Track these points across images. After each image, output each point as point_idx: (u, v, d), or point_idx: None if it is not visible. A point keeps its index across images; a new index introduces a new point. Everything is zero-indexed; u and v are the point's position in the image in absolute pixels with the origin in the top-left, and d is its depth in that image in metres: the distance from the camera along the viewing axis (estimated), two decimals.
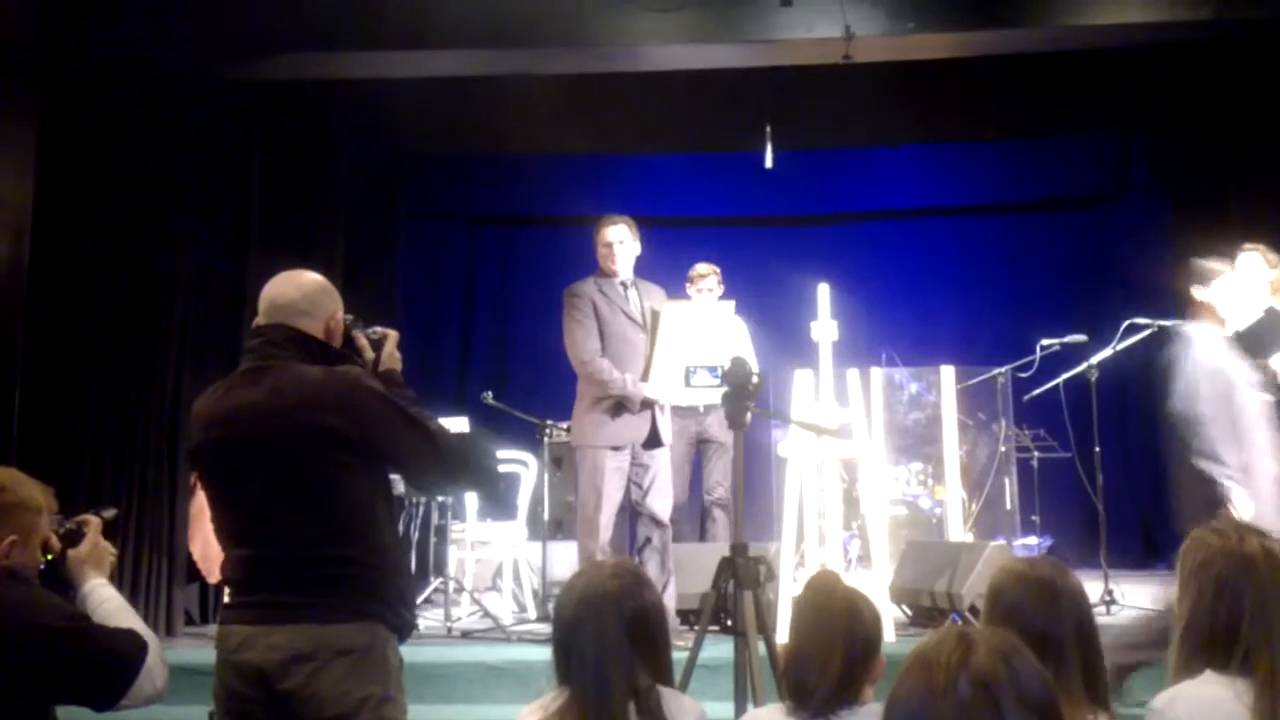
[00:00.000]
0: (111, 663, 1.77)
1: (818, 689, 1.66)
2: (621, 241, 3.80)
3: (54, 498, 1.94)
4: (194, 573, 4.35)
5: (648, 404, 3.72)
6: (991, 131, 5.70)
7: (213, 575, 4.31)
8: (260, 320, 1.99)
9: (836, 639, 1.68)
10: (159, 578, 4.14)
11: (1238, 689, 1.52)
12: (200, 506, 4.28)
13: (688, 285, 5.02)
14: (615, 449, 3.69)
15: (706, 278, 4.85)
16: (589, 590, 1.68)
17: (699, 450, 4.71)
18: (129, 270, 4.26)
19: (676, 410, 4.76)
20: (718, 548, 3.56)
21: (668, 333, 3.73)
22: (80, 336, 4.15)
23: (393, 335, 2.09)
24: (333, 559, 1.85)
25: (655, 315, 3.81)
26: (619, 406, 3.69)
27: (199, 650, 3.81)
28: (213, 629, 4.30)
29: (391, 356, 2.06)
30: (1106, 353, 4.32)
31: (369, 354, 2.04)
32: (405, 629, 1.95)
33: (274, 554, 1.86)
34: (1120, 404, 6.08)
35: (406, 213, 6.33)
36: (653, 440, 3.76)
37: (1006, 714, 0.94)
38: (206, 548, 4.23)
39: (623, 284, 3.83)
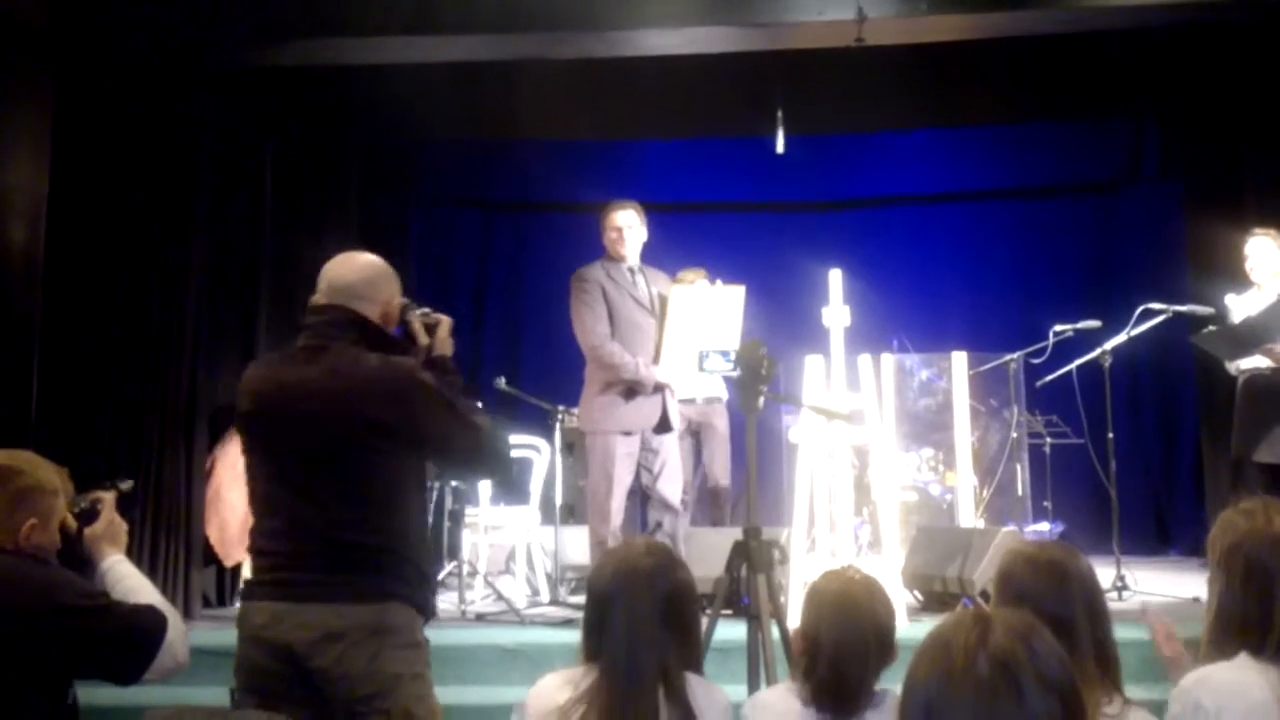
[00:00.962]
0: (133, 639, 1.79)
1: (839, 681, 1.66)
2: (630, 226, 3.80)
3: (69, 479, 1.96)
4: (210, 555, 4.38)
5: (660, 388, 3.72)
6: (1004, 116, 5.65)
7: (229, 558, 4.35)
8: (319, 299, 2.01)
9: (856, 630, 1.68)
10: (176, 560, 4.18)
11: (1271, 677, 1.49)
12: (216, 490, 4.31)
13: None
14: (626, 434, 3.69)
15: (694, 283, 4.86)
16: (622, 567, 1.69)
17: (697, 438, 4.72)
18: (144, 255, 4.28)
19: (679, 400, 4.76)
20: (728, 532, 3.57)
21: (676, 316, 3.73)
22: (96, 322, 4.18)
23: (446, 321, 2.11)
24: (366, 540, 1.87)
25: (663, 300, 3.81)
26: (629, 391, 3.69)
27: (216, 632, 3.83)
28: (230, 611, 4.39)
29: (444, 342, 2.09)
30: (1120, 338, 4.30)
31: (423, 339, 2.06)
32: (430, 611, 1.98)
33: (307, 530, 1.88)
34: (1133, 390, 6.05)
35: (417, 198, 6.34)
36: (663, 425, 3.75)
37: (1026, 694, 0.94)
38: (224, 531, 4.27)
39: (630, 269, 3.82)
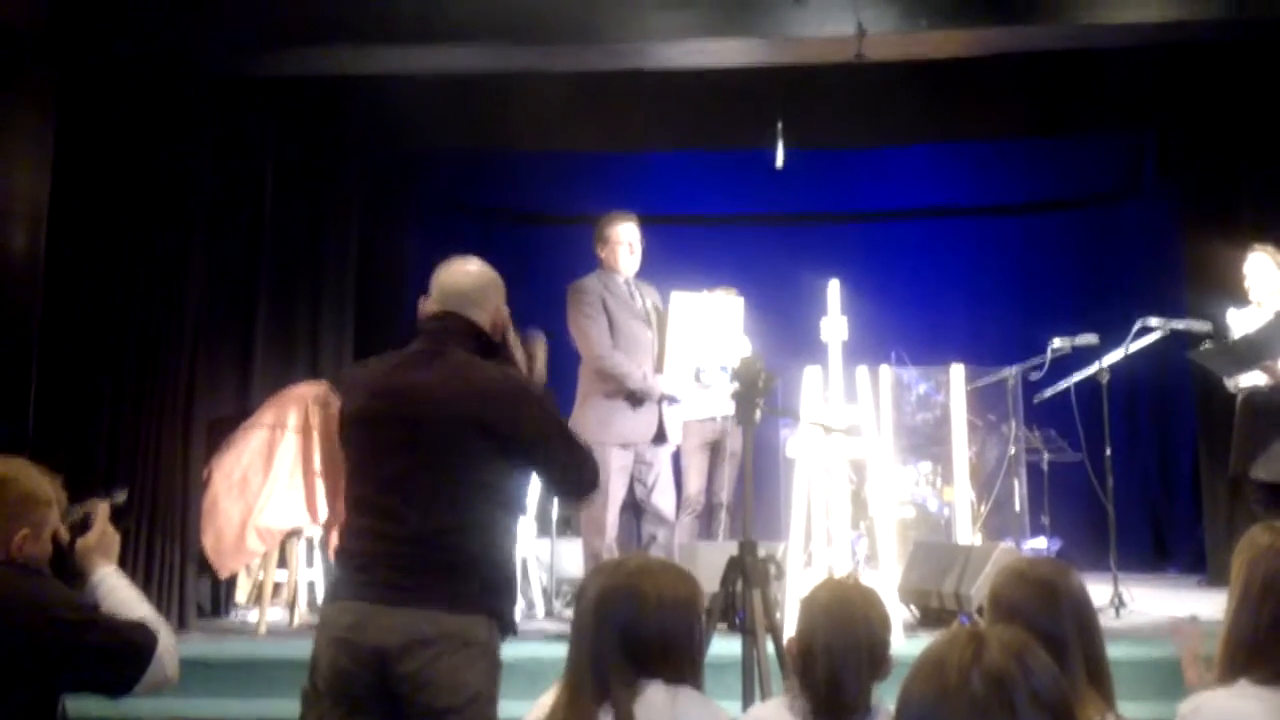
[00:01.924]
0: (124, 654, 1.78)
1: (833, 690, 1.64)
2: (637, 241, 3.81)
3: (63, 488, 1.94)
4: (205, 566, 4.36)
5: (661, 399, 3.72)
6: (1002, 131, 5.67)
7: (224, 569, 4.32)
8: (433, 305, 2.06)
9: (850, 636, 1.67)
10: (171, 570, 4.16)
11: (1272, 704, 1.46)
12: (213, 500, 4.29)
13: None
14: (623, 447, 3.67)
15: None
16: (616, 579, 1.64)
17: (712, 454, 4.72)
18: (143, 263, 4.27)
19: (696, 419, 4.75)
20: (724, 546, 3.55)
21: (677, 326, 3.73)
22: (95, 329, 4.17)
23: (543, 344, 2.14)
24: (461, 549, 1.86)
25: (660, 312, 3.81)
26: (627, 403, 3.67)
27: (211, 644, 3.83)
28: (225, 621, 4.38)
29: (542, 366, 2.12)
30: (1118, 354, 4.29)
31: (518, 352, 2.09)
32: (512, 628, 1.97)
33: (404, 533, 1.86)
34: (1131, 405, 6.05)
35: (417, 208, 6.35)
36: (659, 437, 3.74)
37: (1019, 711, 0.94)
38: (219, 541, 4.24)
39: (626, 282, 3.82)
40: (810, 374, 3.71)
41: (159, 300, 4.29)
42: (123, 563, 4.19)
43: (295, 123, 5.09)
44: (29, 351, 4.02)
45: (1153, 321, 4.24)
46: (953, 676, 0.96)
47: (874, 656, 1.68)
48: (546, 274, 6.19)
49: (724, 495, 4.63)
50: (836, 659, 1.66)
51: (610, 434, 3.66)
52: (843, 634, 1.67)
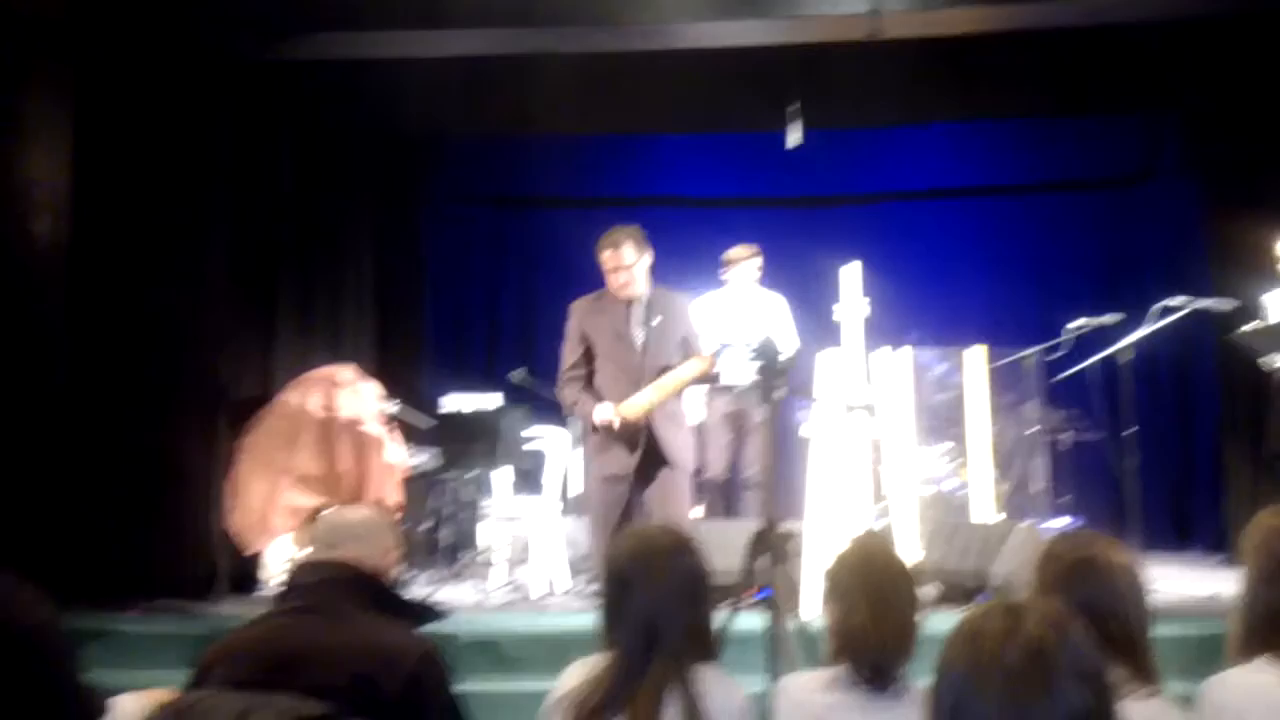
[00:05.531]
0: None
1: (880, 652, 1.63)
2: (616, 267, 3.53)
3: None
4: (233, 543, 4.43)
5: (625, 427, 3.52)
6: (1021, 110, 5.60)
7: (250, 547, 4.40)
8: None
9: (895, 600, 1.67)
10: (200, 547, 4.29)
11: None
12: (239, 480, 4.37)
13: (722, 270, 5.00)
14: (606, 480, 3.59)
15: (734, 264, 4.85)
16: (641, 546, 1.69)
17: (736, 430, 4.72)
18: (165, 247, 4.33)
19: (715, 389, 4.77)
20: (743, 525, 3.56)
21: (668, 384, 3.57)
22: (119, 312, 4.24)
23: None
24: None
25: (686, 347, 3.59)
26: (601, 435, 3.58)
27: (238, 619, 3.90)
28: (253, 597, 4.38)
29: None
30: (1142, 333, 4.26)
31: None
32: None
33: None
34: (1152, 385, 5.99)
35: (430, 194, 6.36)
36: (646, 468, 3.55)
37: (1056, 683, 0.93)
38: (246, 520, 4.34)
39: (629, 302, 3.58)
40: (825, 356, 3.70)
41: (182, 285, 4.36)
42: (153, 543, 4.32)
43: (312, 109, 5.12)
44: (56, 336, 4.08)
45: (1177, 301, 4.20)
46: (989, 647, 0.95)
47: (911, 593, 1.67)
48: (562, 257, 6.20)
49: (747, 470, 4.64)
50: (876, 607, 1.65)
51: (596, 466, 3.63)
52: (879, 594, 1.66)
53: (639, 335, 3.50)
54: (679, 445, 3.64)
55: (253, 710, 1.43)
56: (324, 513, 2.00)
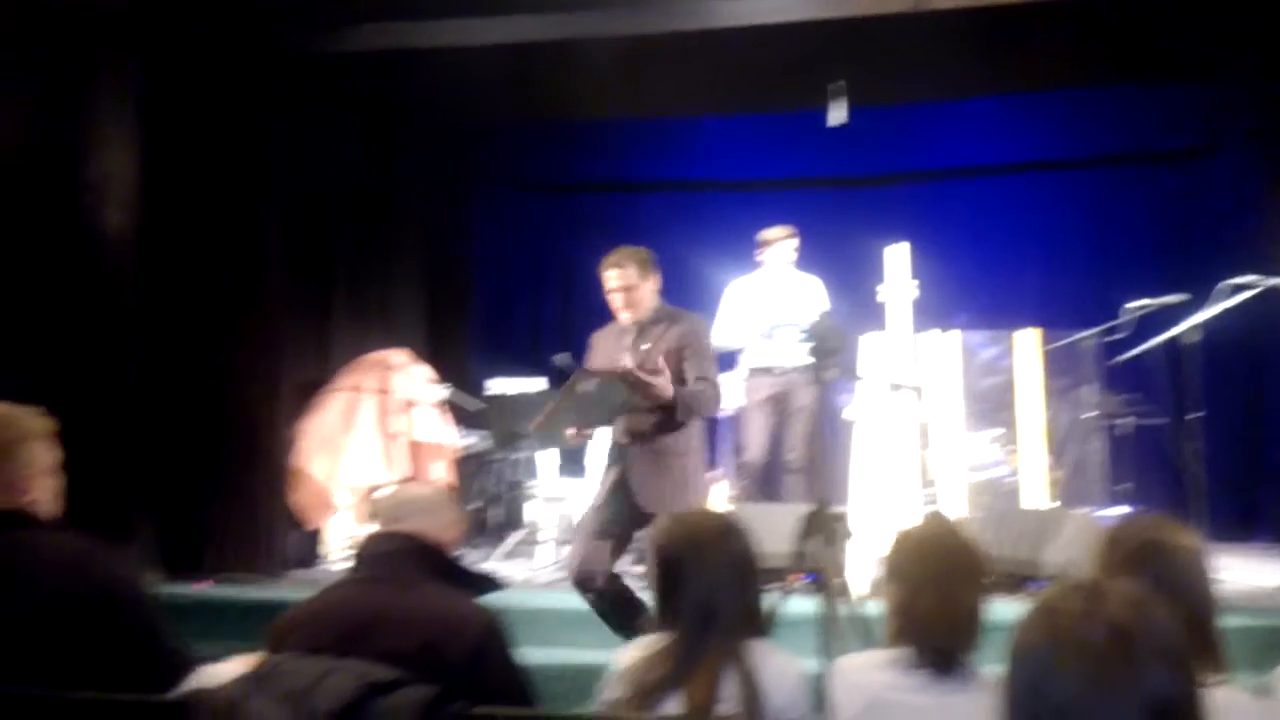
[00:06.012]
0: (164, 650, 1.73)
1: (948, 636, 1.61)
2: (613, 290, 3.30)
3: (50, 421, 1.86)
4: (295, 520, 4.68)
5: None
6: (1075, 80, 5.39)
7: (311, 523, 4.68)
8: None
9: (966, 583, 1.64)
10: (264, 523, 4.49)
11: None
12: (301, 459, 4.63)
13: (758, 251, 4.94)
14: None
15: (769, 245, 4.78)
16: (690, 531, 1.75)
17: (778, 413, 4.65)
18: (228, 236, 4.52)
19: (755, 370, 4.70)
20: (785, 509, 3.51)
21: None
22: (186, 301, 4.45)
23: None
24: None
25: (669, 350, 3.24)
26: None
27: (300, 592, 4.01)
28: (314, 572, 4.62)
29: None
30: (1209, 313, 4.07)
31: None
32: None
33: None
34: (1220, 369, 5.75)
35: (475, 181, 6.41)
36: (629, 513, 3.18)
37: (1139, 663, 0.92)
38: (307, 497, 4.63)
39: (636, 323, 3.31)
40: (871, 339, 3.62)
41: (243, 273, 4.54)
42: (222, 520, 4.56)
43: (363, 99, 5.29)
44: (129, 325, 4.27)
45: (1247, 279, 4.01)
46: (1070, 626, 0.94)
47: (978, 609, 1.64)
48: (603, 242, 6.16)
49: (792, 454, 4.57)
50: (944, 588, 1.62)
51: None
52: (954, 584, 1.64)
53: (630, 361, 3.24)
54: (661, 491, 3.16)
55: (330, 674, 1.52)
56: (389, 489, 2.11)
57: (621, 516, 3.18)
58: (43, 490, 1.82)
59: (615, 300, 3.31)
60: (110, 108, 4.25)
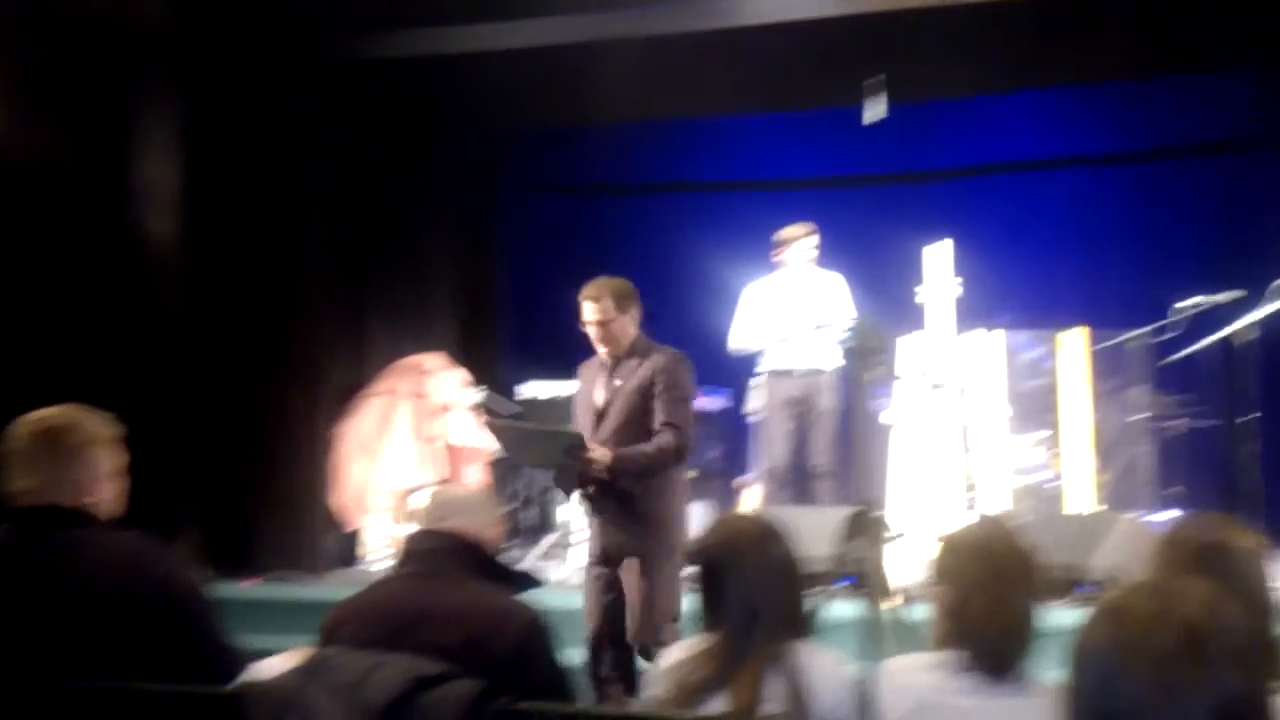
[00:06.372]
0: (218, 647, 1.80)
1: (1002, 640, 1.58)
2: (589, 322, 3.17)
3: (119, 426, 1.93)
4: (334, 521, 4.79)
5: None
6: (1119, 71, 5.23)
7: (350, 524, 4.78)
8: None
9: (1021, 587, 1.61)
10: (304, 524, 4.62)
11: None
12: (339, 462, 4.72)
13: (775, 252, 4.86)
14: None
15: (789, 244, 4.71)
16: (731, 535, 1.79)
17: (799, 416, 4.56)
18: (267, 243, 4.63)
19: (774, 374, 4.62)
20: (820, 512, 3.43)
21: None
22: (228, 305, 4.58)
23: None
24: None
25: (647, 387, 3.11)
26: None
27: (339, 592, 4.07)
28: (353, 572, 4.69)
29: None
30: (1266, 312, 3.91)
31: None
32: None
33: None
34: (1276, 369, 5.55)
35: (505, 186, 6.42)
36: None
37: (1211, 665, 0.90)
38: (346, 499, 4.71)
39: (615, 358, 3.18)
40: (907, 341, 3.53)
41: (282, 277, 4.67)
42: (266, 520, 4.69)
43: (393, 104, 5.39)
44: (176, 331, 4.40)
45: None
46: (1138, 626, 0.92)
47: (1031, 613, 1.61)
48: (630, 245, 6.15)
49: (818, 458, 4.47)
50: (996, 606, 1.59)
51: None
52: (1008, 587, 1.61)
53: (600, 397, 3.14)
54: (630, 537, 3.05)
55: (379, 667, 1.57)
56: (425, 491, 2.13)
57: (605, 561, 3.12)
58: (106, 492, 1.88)
59: (591, 334, 3.18)
60: (154, 119, 4.38)
